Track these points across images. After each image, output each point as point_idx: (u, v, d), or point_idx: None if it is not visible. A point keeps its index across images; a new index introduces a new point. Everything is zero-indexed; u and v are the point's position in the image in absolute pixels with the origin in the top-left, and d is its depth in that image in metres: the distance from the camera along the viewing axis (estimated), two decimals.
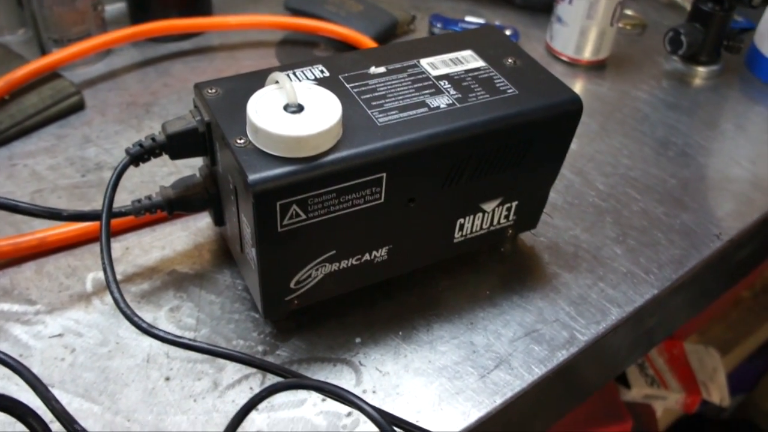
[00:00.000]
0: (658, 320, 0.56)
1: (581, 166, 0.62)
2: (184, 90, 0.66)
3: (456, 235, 0.49)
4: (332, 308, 0.48)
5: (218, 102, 0.44)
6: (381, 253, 0.47)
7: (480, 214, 0.49)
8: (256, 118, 0.40)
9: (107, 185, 0.43)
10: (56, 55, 0.62)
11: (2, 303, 0.47)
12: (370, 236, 0.45)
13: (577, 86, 0.72)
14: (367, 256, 0.46)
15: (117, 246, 0.51)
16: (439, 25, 0.74)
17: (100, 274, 0.49)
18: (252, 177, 0.38)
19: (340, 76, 0.46)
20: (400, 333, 0.47)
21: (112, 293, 0.41)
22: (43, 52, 0.67)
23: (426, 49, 0.49)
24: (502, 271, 0.52)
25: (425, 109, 0.44)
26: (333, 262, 0.45)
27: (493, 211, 0.49)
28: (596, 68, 0.74)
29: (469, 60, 0.49)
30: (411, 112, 0.43)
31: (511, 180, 0.48)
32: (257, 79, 0.45)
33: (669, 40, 0.72)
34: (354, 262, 0.46)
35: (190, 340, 0.40)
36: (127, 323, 0.41)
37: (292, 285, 0.44)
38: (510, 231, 0.52)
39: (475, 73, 0.47)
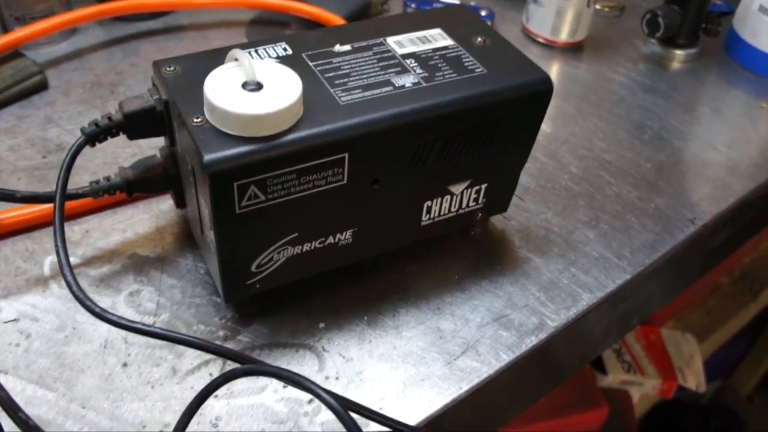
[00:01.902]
0: (631, 305, 0.55)
1: (555, 149, 0.61)
2: (148, 69, 0.64)
3: (423, 218, 0.48)
4: (296, 292, 0.47)
5: (176, 80, 0.42)
6: (345, 236, 0.45)
7: (448, 197, 0.48)
8: (213, 96, 0.38)
9: (60, 166, 0.42)
10: (17, 33, 0.60)
11: None
12: (334, 219, 0.44)
13: (553, 68, 0.71)
14: (331, 239, 0.45)
15: (77, 228, 0.50)
16: (413, 6, 0.72)
17: None
18: (207, 157, 0.37)
19: (303, 54, 0.45)
20: (365, 318, 0.46)
21: (64, 276, 0.39)
22: (5, 30, 0.65)
23: (394, 28, 0.48)
24: (471, 255, 0.51)
25: (390, 87, 0.43)
26: (295, 245, 0.44)
27: (462, 193, 0.48)
28: (573, 50, 0.73)
29: (437, 38, 0.47)
30: (375, 91, 0.42)
31: (480, 161, 0.47)
32: (218, 57, 0.44)
33: (646, 22, 0.71)
34: (317, 245, 0.45)
35: (144, 325, 0.39)
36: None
37: (253, 268, 0.43)
38: (480, 214, 0.51)
39: (443, 52, 0.46)
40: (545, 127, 0.63)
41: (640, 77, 0.71)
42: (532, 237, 0.53)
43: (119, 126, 0.43)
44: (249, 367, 0.37)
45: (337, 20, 0.67)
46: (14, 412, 0.33)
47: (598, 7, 0.79)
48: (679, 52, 0.73)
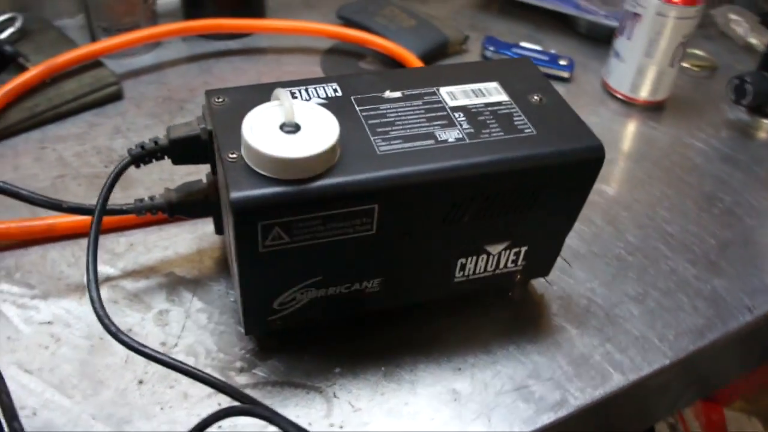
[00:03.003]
0: (682, 382, 0.52)
1: (615, 213, 0.58)
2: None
3: (457, 275, 0.47)
4: (319, 332, 0.47)
5: (222, 112, 0.43)
6: (372, 285, 0.45)
7: (484, 256, 0.46)
8: (249, 135, 0.39)
9: (104, 183, 0.43)
10: (98, 45, 0.63)
11: (3, 283, 0.48)
12: (360, 266, 0.44)
13: (629, 127, 0.68)
14: (357, 286, 0.45)
15: (123, 240, 0.52)
16: (491, 49, 0.71)
17: (102, 267, 0.50)
18: (234, 194, 0.37)
19: (352, 98, 0.45)
20: (383, 369, 0.45)
21: (89, 292, 0.41)
22: (93, 39, 0.68)
23: (450, 77, 0.47)
24: (503, 317, 0.49)
25: (432, 141, 0.42)
26: (319, 287, 0.43)
27: (500, 254, 0.47)
28: (652, 109, 0.70)
29: (492, 92, 0.46)
30: (416, 143, 0.41)
31: (521, 224, 0.45)
32: (268, 92, 0.44)
33: (733, 87, 0.67)
34: (342, 291, 0.44)
35: (153, 351, 0.39)
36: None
37: (275, 306, 0.43)
38: (518, 276, 0.49)
39: (495, 108, 0.45)
40: (608, 189, 0.60)
41: (721, 144, 0.67)
42: (572, 306, 0.50)
43: (164, 150, 0.44)
44: (248, 407, 0.37)
45: (411, 57, 0.67)
46: (10, 420, 0.34)
47: (687, 65, 0.76)
48: (767, 122, 0.69)
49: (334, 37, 0.70)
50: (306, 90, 0.45)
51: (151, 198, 0.47)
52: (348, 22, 0.73)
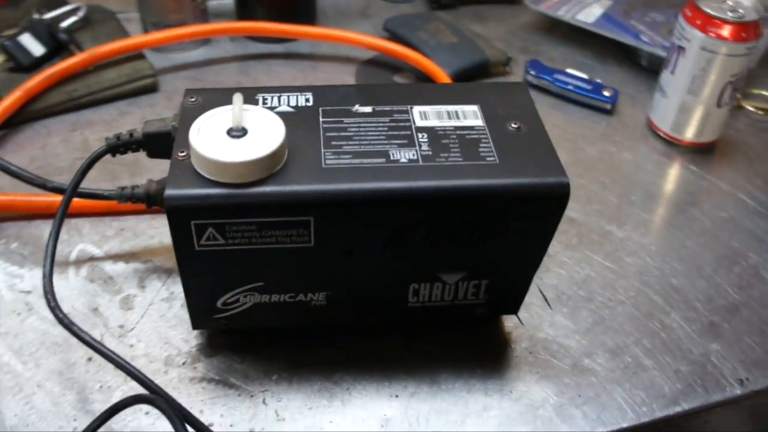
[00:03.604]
0: None
1: (618, 257, 0.54)
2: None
3: (410, 299, 0.46)
4: (266, 337, 0.47)
5: (192, 111, 0.44)
6: (318, 297, 0.44)
7: (439, 284, 0.45)
8: (194, 136, 0.39)
9: (80, 167, 0.46)
10: (139, 38, 0.66)
11: (0, 250, 0.52)
12: (303, 278, 0.43)
13: (665, 168, 0.63)
14: (301, 297, 0.44)
15: (115, 224, 0.54)
16: (533, 73, 0.69)
17: (89, 247, 0.52)
18: (169, 191, 0.38)
19: (320, 108, 0.44)
20: (319, 383, 0.45)
21: (43, 268, 0.43)
22: (145, 32, 0.72)
23: (432, 96, 0.46)
24: (460, 350, 0.47)
25: (383, 159, 0.41)
26: (262, 293, 0.44)
27: (457, 284, 0.45)
28: (696, 151, 0.65)
29: (468, 116, 0.45)
30: (365, 160, 0.41)
31: (478, 256, 0.43)
32: (244, 95, 0.45)
33: None
34: (287, 299, 0.44)
35: (94, 340, 0.41)
36: None
37: (218, 305, 0.44)
38: (480, 310, 0.47)
39: (464, 132, 0.43)
40: (617, 230, 0.56)
41: (766, 198, 0.61)
42: (540, 349, 0.47)
43: (139, 143, 0.46)
44: (148, 396, 0.38)
45: (442, 75, 0.66)
46: None
47: (750, 107, 0.70)
48: None
49: (371, 48, 0.70)
50: (279, 97, 0.45)
51: (134, 187, 0.49)
52: (392, 35, 0.73)
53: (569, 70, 0.69)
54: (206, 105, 0.44)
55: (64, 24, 0.70)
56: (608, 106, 0.67)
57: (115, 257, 0.52)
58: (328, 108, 0.44)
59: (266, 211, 0.39)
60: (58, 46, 0.68)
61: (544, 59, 0.73)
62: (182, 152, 0.41)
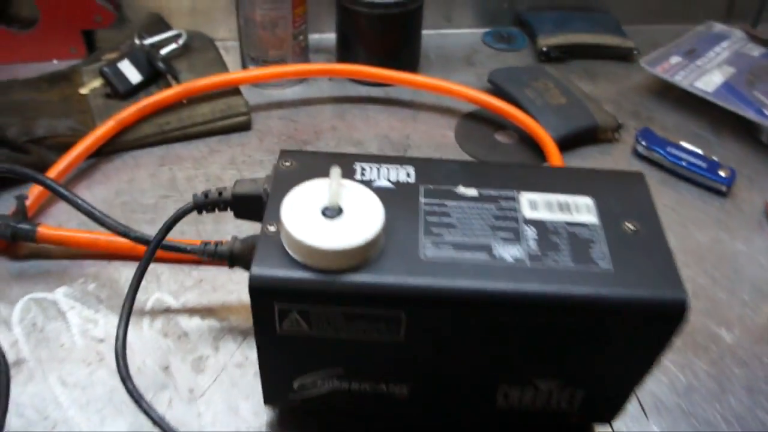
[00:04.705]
0: None
1: (725, 367, 0.49)
2: (344, 137, 0.65)
3: (499, 401, 0.42)
4: (344, 424, 0.44)
5: (286, 176, 0.42)
6: (400, 391, 0.41)
7: (532, 389, 0.41)
8: (286, 213, 0.37)
9: (164, 223, 0.44)
10: (234, 75, 0.65)
11: (78, 289, 0.51)
12: (386, 369, 0.40)
13: None
14: (383, 388, 0.41)
15: (195, 274, 0.52)
16: (644, 143, 0.64)
17: (166, 297, 0.51)
18: (254, 270, 0.36)
19: (422, 186, 0.41)
20: None
21: (116, 345, 0.41)
22: (244, 66, 0.71)
23: (543, 182, 0.42)
24: None
25: (486, 255, 0.37)
26: (341, 380, 0.41)
27: (551, 391, 0.41)
28: None
29: (581, 210, 0.41)
30: (467, 254, 0.37)
31: (576, 365, 0.39)
32: (341, 163, 0.42)
33: None
34: (367, 389, 0.41)
35: (161, 419, 0.39)
36: None
37: (294, 386, 0.41)
38: (574, 418, 0.43)
39: (576, 230, 0.39)
40: (726, 335, 0.51)
41: None
42: None
43: (227, 203, 0.44)
44: None
45: (547, 139, 0.62)
46: None
47: None
48: None
49: (474, 102, 0.66)
50: (378, 169, 0.42)
51: (217, 244, 0.47)
52: (496, 89, 0.69)
53: (683, 143, 0.64)
54: (301, 170, 0.42)
55: (164, 51, 0.69)
56: (723, 188, 0.62)
57: (192, 311, 0.50)
58: (430, 187, 0.41)
59: (357, 302, 0.36)
60: (155, 74, 0.67)
61: (656, 127, 0.68)
62: (272, 226, 0.38)
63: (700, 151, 0.63)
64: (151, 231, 0.55)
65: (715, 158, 0.63)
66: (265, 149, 0.63)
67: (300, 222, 0.36)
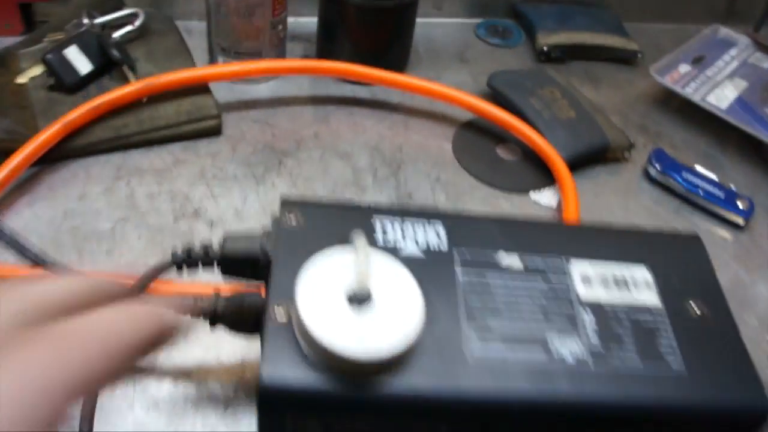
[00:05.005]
0: None
1: None
2: (329, 147, 0.57)
3: None
4: None
5: (292, 237, 0.34)
6: None
7: None
8: (303, 299, 0.30)
9: (134, 285, 0.36)
10: (207, 70, 0.56)
11: None
12: None
13: None
14: None
15: None
16: (657, 167, 0.58)
17: None
18: (266, 372, 0.29)
19: (456, 252, 0.35)
20: None
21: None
22: (211, 56, 0.62)
23: (592, 245, 0.36)
24: None
25: (541, 352, 0.31)
26: None
27: None
28: None
29: (640, 286, 0.35)
30: (519, 352, 0.31)
31: None
32: (357, 218, 0.35)
33: None
34: None
35: None
36: None
37: None
38: None
39: (639, 316, 0.34)
40: None
41: None
42: None
43: (216, 261, 0.36)
44: None
45: (558, 162, 0.55)
46: None
47: None
48: None
49: (477, 112, 0.59)
50: (402, 226, 0.35)
51: (197, 299, 0.39)
52: (497, 95, 0.62)
53: (698, 168, 0.59)
54: (310, 229, 0.35)
55: (117, 34, 0.59)
56: (741, 221, 0.57)
57: (163, 374, 0.42)
58: (467, 256, 0.35)
59: (391, 413, 0.30)
60: (107, 62, 0.57)
61: (665, 144, 0.63)
62: (280, 309, 0.31)
63: (715, 178, 0.58)
64: (107, 265, 0.46)
65: (732, 186, 0.58)
66: (240, 160, 0.55)
67: (321, 314, 0.29)
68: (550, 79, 0.64)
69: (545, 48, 0.69)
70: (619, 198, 0.58)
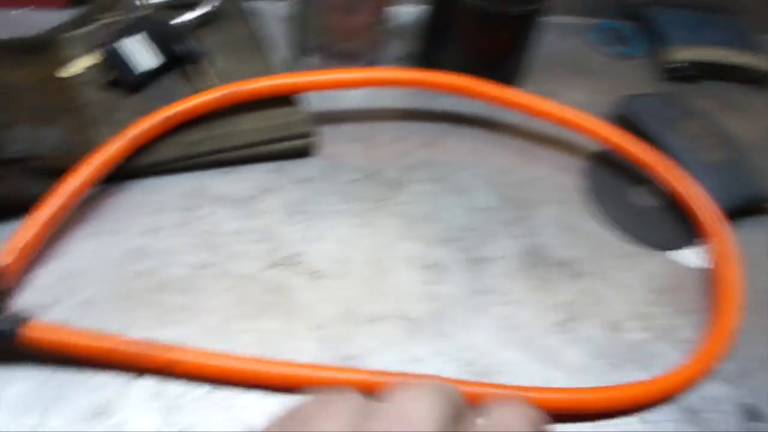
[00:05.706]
0: None
1: None
2: (443, 179, 0.47)
3: None
4: None
5: None
6: None
7: None
8: None
9: None
10: (309, 78, 0.44)
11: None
12: None
13: None
14: None
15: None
16: None
17: None
18: None
19: None
20: None
21: None
22: (303, 52, 0.51)
23: None
24: None
25: None
26: None
27: None
28: None
29: None
30: None
31: None
32: None
33: None
34: None
35: None
36: None
37: None
38: None
39: None
40: None
41: None
42: None
43: None
44: None
45: (707, 215, 0.46)
46: None
47: None
48: None
49: (609, 144, 0.49)
50: None
51: None
52: (629, 125, 0.51)
53: None
54: None
55: (182, 19, 0.48)
56: None
57: None
58: None
59: None
60: (173, 57, 0.47)
61: None
62: None
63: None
64: (187, 331, 0.37)
65: None
66: (340, 191, 0.45)
67: None
68: (692, 111, 0.53)
69: (678, 64, 0.59)
70: None
